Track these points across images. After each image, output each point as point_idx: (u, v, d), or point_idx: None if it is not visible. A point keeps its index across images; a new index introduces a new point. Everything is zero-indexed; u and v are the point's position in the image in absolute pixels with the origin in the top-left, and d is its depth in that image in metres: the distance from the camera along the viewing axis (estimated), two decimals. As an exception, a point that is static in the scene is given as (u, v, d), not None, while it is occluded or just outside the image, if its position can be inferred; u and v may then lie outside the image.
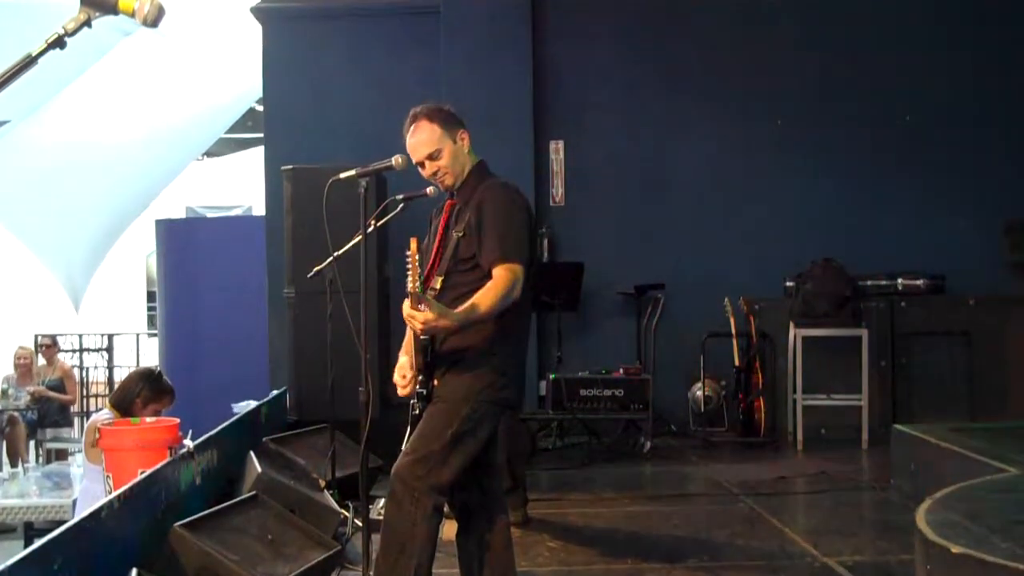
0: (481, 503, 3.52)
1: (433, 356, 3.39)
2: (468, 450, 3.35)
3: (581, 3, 8.51)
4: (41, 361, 11.31)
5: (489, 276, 3.34)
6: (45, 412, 10.81)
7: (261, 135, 9.43)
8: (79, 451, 7.23)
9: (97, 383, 13.55)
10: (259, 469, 4.73)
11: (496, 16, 8.23)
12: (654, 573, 4.45)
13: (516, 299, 3.33)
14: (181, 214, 15.97)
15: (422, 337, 3.35)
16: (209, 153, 15.85)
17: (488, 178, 3.51)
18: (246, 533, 4.02)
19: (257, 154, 9.19)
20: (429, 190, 4.10)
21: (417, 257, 3.14)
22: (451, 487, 3.38)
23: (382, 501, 5.06)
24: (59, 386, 11.00)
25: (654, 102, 8.42)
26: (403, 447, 3.40)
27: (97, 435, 4.59)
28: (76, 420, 11.62)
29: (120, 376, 12.67)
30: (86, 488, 5.09)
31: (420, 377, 3.41)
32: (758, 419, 7.59)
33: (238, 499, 4.32)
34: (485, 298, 3.28)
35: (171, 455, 4.38)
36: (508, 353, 3.42)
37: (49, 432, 10.82)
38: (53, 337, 11.94)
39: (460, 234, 3.40)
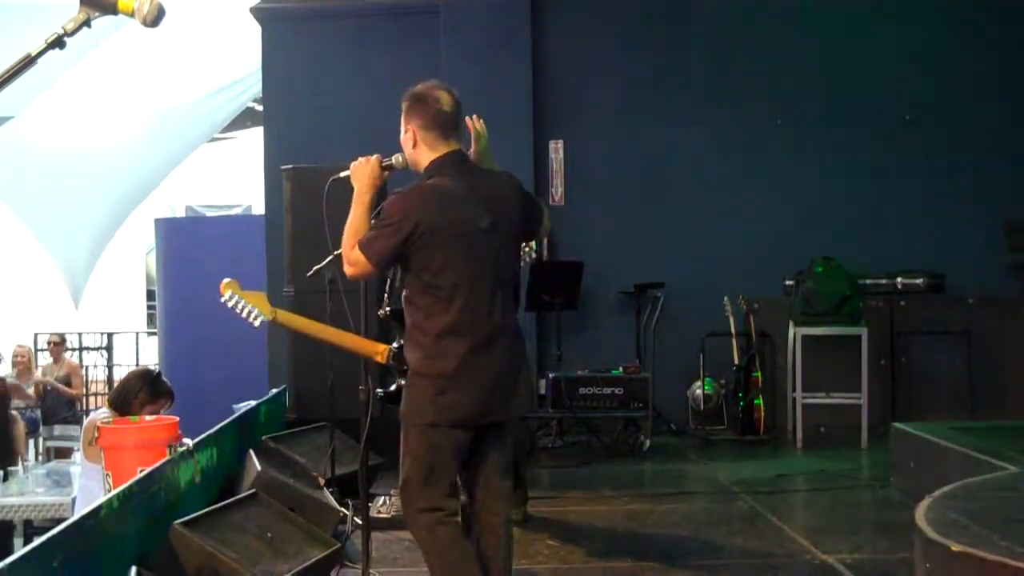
0: (479, 501, 3.52)
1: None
2: (429, 467, 3.34)
3: (581, 3, 8.52)
4: (44, 359, 11.29)
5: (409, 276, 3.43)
6: (52, 409, 10.81)
7: (261, 134, 9.41)
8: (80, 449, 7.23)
9: (96, 382, 13.55)
10: (259, 467, 4.73)
11: (496, 16, 8.22)
12: (653, 571, 4.45)
13: (346, 273, 3.52)
14: (181, 213, 15.96)
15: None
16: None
17: (419, 181, 3.57)
18: (245, 531, 4.02)
19: (256, 153, 9.18)
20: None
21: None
22: (449, 492, 3.39)
23: (381, 499, 5.09)
24: (66, 384, 11.05)
25: (654, 101, 8.42)
26: None
27: (96, 433, 4.59)
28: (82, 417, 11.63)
29: (120, 375, 12.67)
30: (85, 487, 5.09)
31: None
32: (757, 417, 7.59)
33: (238, 497, 4.32)
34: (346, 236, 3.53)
35: (170, 453, 4.38)
36: (440, 370, 3.31)
37: (57, 429, 10.81)
38: (62, 335, 11.93)
39: None
